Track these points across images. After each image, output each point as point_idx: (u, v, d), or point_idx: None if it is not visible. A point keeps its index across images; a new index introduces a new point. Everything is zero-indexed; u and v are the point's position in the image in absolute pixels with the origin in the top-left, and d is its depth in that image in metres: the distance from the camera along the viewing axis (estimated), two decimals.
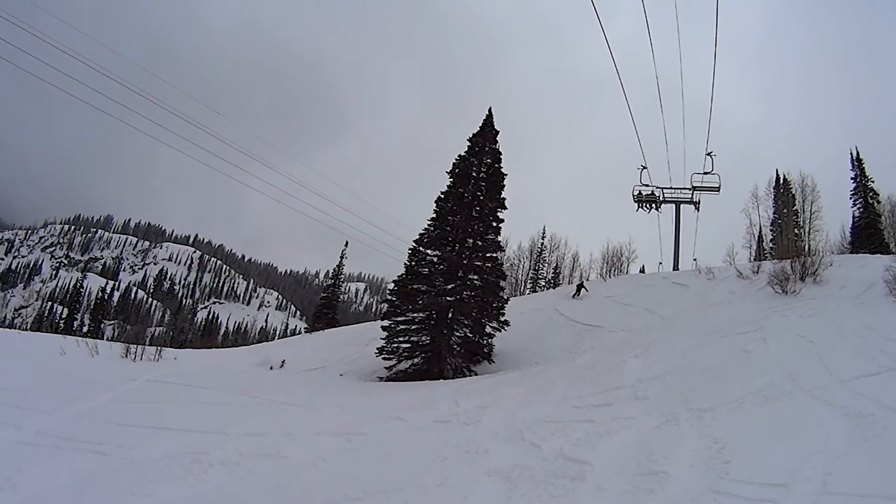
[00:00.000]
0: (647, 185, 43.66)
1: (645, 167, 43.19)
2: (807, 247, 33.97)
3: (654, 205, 43.93)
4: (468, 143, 27.50)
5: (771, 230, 50.81)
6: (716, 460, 8.60)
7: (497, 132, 27.79)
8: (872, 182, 49.38)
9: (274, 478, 10.34)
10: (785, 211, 48.63)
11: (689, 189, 42.96)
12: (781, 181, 51.70)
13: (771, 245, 49.00)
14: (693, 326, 20.42)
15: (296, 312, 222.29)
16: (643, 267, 57.09)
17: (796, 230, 45.78)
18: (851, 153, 50.84)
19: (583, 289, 35.58)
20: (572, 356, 21.34)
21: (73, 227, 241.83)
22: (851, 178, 50.16)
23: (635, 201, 44.08)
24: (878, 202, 48.85)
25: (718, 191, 42.66)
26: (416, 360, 24.91)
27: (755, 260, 39.41)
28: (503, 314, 25.52)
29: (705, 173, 41.91)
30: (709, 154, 41.38)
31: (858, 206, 48.95)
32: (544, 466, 9.49)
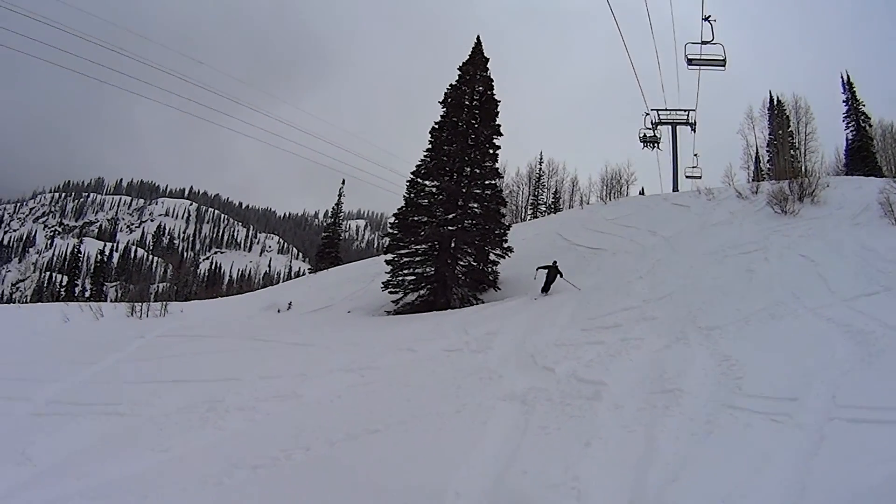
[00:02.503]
0: (650, 129, 43.18)
1: (648, 114, 42.62)
2: (803, 168, 33.08)
3: (658, 145, 43.60)
4: (458, 72, 27.26)
5: (767, 151, 50.37)
6: (727, 377, 8.72)
7: (487, 59, 27.49)
8: (864, 106, 48.90)
9: (291, 418, 10.42)
10: (780, 132, 48.26)
11: (685, 111, 42.14)
12: (775, 102, 51.22)
13: (768, 166, 47.93)
14: (696, 246, 20.40)
15: (298, 255, 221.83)
16: (643, 189, 56.74)
17: (792, 151, 44.78)
18: (842, 76, 50.16)
19: (555, 276, 22.14)
20: (578, 280, 21.41)
21: (63, 195, 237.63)
22: (843, 102, 49.67)
23: (641, 142, 43.69)
24: (870, 126, 48.40)
25: (724, 65, 37.40)
26: (422, 292, 25.04)
27: (753, 181, 38.01)
28: (506, 241, 25.55)
29: (704, 43, 35.62)
30: (707, 19, 34.42)
31: (851, 129, 48.49)
32: (559, 388, 9.58)
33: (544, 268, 22.52)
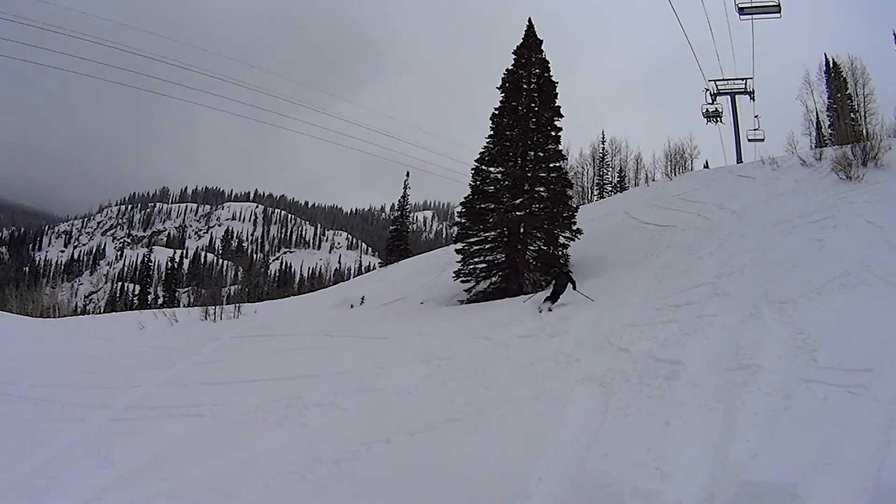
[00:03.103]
0: (711, 104, 42.48)
1: (708, 89, 41.94)
2: (864, 131, 32.00)
3: (720, 119, 42.83)
4: (514, 56, 26.91)
5: (828, 116, 48.16)
6: (802, 350, 8.68)
7: (541, 41, 27.07)
8: None
9: (370, 411, 10.64)
10: (839, 95, 46.09)
11: (743, 80, 41.41)
12: (831, 65, 49.49)
13: (830, 131, 45.97)
14: (764, 218, 19.99)
15: (367, 249, 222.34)
16: (707, 162, 55.52)
17: (852, 114, 43.42)
18: (894, 32, 48.60)
19: (565, 284, 19.29)
20: (648, 258, 21.25)
21: (129, 206, 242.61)
22: None
23: (704, 117, 43.00)
24: None
25: (778, 11, 35.59)
26: (493, 280, 24.99)
27: (816, 147, 36.50)
28: (574, 223, 25.16)
29: None
30: None
31: None
32: (636, 369, 9.63)
33: (556, 274, 20.10)
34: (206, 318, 28.85)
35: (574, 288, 19.00)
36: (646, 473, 6.17)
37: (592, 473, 6.53)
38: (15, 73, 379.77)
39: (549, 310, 18.02)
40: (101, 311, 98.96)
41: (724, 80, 41.36)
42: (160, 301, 70.38)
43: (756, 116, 41.86)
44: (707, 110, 42.53)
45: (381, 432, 9.20)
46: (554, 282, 19.58)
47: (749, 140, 41.82)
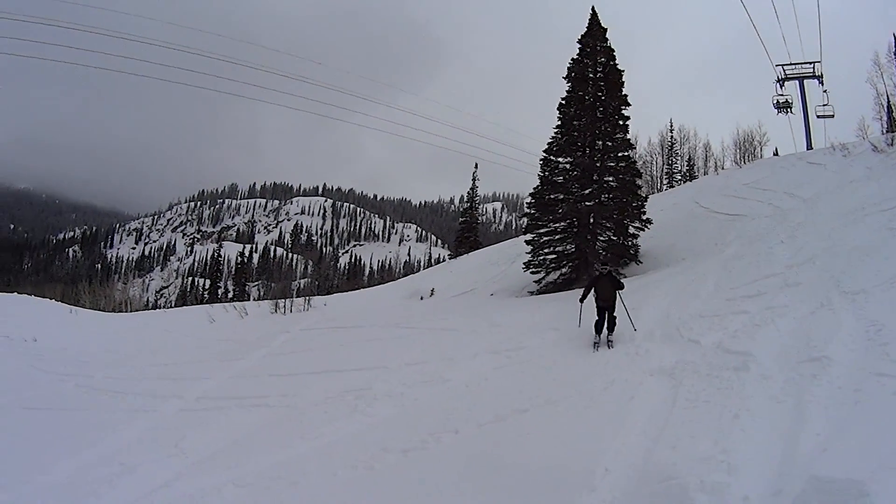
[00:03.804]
0: (782, 94, 41.53)
1: (778, 80, 41.09)
2: None
3: (791, 109, 41.90)
4: (578, 46, 26.80)
5: None
6: (874, 343, 8.48)
7: (605, 30, 26.87)
8: None
9: (440, 402, 10.82)
10: None
11: (811, 64, 40.40)
12: None
13: None
14: (835, 206, 19.48)
15: (437, 242, 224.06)
16: (776, 149, 54.85)
17: None
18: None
19: (614, 294, 13.75)
20: (718, 248, 20.94)
21: (199, 203, 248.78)
22: None
23: (775, 108, 42.09)
24: None
25: None
26: (563, 271, 25.07)
27: (887, 132, 35.68)
28: (644, 213, 25.02)
29: None
30: None
31: None
32: (706, 360, 9.63)
33: (597, 277, 14.28)
34: (276, 311, 29.48)
35: (621, 289, 13.78)
36: (712, 466, 6.19)
37: (659, 465, 6.59)
38: (83, 79, 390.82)
39: (609, 344, 12.76)
40: (172, 305, 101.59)
41: (791, 64, 40.49)
42: (230, 295, 72.20)
43: (825, 91, 40.76)
44: (777, 101, 41.68)
45: (450, 423, 9.40)
46: (595, 289, 13.83)
47: (818, 116, 40.97)
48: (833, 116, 40.69)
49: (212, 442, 10.24)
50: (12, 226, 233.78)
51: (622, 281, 14.55)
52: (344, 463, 8.49)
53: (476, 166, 61.24)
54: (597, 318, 13.42)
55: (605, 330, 13.24)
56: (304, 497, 7.74)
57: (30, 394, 15.22)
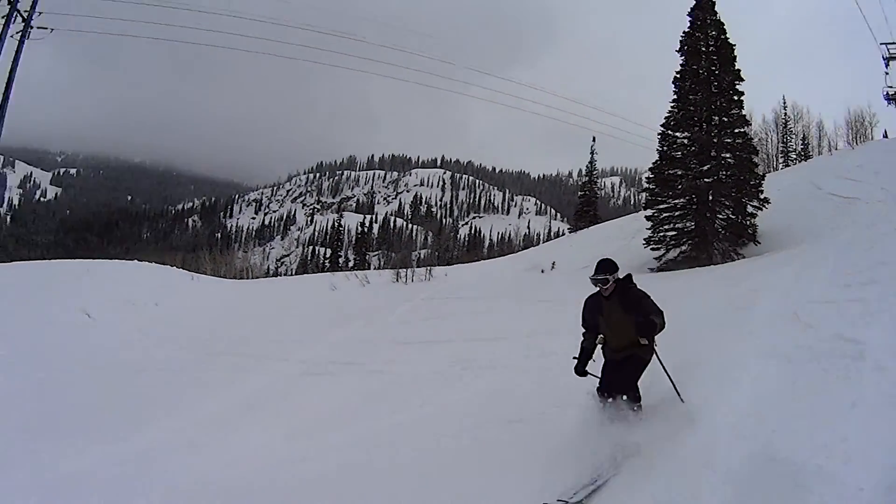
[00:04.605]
0: (892, 87, 39.73)
1: (887, 72, 39.18)
2: None
3: None
4: (689, 18, 26.90)
5: None
6: None
7: (713, 2, 26.89)
8: None
9: (554, 376, 10.80)
10: None
11: None
12: None
13: None
14: None
15: (556, 215, 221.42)
16: (885, 131, 52.87)
17: None
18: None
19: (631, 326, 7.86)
20: (834, 232, 20.42)
21: (318, 175, 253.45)
22: None
23: (885, 99, 40.60)
24: None
25: None
26: (683, 248, 25.22)
27: None
28: (762, 191, 24.94)
29: None
30: None
31: None
32: (824, 347, 9.53)
33: (597, 299, 8.65)
34: (397, 280, 30.35)
35: (647, 331, 7.88)
36: (830, 455, 6.19)
37: (777, 451, 6.62)
38: (203, 58, 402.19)
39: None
40: (293, 273, 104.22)
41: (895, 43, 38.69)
42: (351, 264, 73.31)
43: None
44: (888, 93, 40.10)
45: (562, 397, 9.46)
46: (597, 324, 8.66)
47: None
48: None
49: (323, 404, 11.13)
50: (129, 196, 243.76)
51: (653, 301, 8.06)
52: (448, 430, 9.12)
53: (594, 139, 60.81)
54: (601, 375, 8.32)
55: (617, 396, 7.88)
56: (406, 461, 8.20)
57: (140, 356, 16.26)
